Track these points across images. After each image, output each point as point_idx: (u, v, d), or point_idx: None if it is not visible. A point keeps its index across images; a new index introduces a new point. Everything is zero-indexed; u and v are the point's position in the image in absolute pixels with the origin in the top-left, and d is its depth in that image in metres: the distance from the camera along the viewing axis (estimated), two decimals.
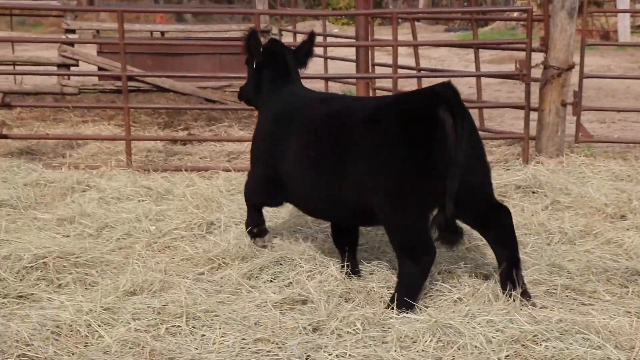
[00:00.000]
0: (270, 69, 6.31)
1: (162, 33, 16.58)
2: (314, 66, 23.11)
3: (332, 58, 15.17)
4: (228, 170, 9.25)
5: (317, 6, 36.70)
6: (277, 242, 6.41)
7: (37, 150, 10.65)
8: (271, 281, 5.84)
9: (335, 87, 16.47)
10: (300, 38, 17.98)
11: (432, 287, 5.71)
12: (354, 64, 12.65)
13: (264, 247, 6.34)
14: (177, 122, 12.82)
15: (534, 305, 5.36)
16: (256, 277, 5.92)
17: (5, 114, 13.03)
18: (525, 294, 5.41)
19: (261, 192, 6.15)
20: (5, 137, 9.78)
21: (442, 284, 5.79)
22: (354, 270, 5.98)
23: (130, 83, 13.21)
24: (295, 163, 5.74)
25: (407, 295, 5.26)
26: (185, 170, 9.25)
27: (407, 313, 5.21)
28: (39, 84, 14.91)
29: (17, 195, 7.90)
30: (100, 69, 14.21)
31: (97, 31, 16.23)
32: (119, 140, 10.68)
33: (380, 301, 5.42)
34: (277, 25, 16.83)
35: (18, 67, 15.64)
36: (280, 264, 6.04)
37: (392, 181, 5.17)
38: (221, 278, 5.92)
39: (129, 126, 9.70)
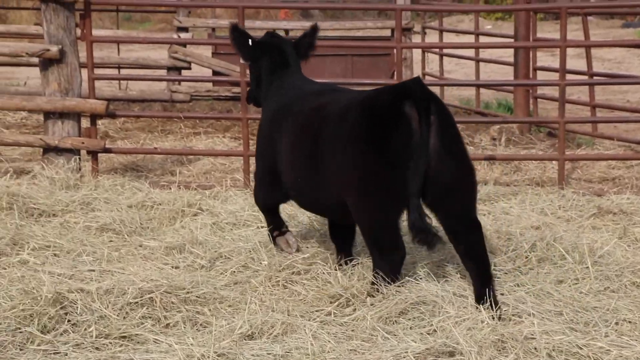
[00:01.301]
0: (268, 61, 7.14)
1: (286, 31, 16.80)
2: (463, 69, 23.05)
3: (485, 61, 15.01)
4: None
5: None
6: (416, 281, 6.35)
7: (143, 167, 10.94)
8: (411, 328, 5.78)
9: (488, 94, 16.31)
10: (447, 37, 17.90)
11: (608, 339, 5.52)
12: (512, 67, 12.48)
13: (291, 249, 7.05)
14: None
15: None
16: (393, 321, 5.87)
17: (108, 124, 13.42)
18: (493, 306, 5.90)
19: (265, 189, 7.01)
20: (108, 150, 10.10)
21: (622, 336, 5.59)
22: (347, 262, 6.81)
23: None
24: (287, 155, 6.62)
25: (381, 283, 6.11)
26: None
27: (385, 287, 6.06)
28: (145, 90, 15.36)
29: (120, 219, 8.12)
30: (215, 72, 14.53)
31: (213, 29, 16.60)
32: (235, 156, 10.85)
33: (544, 351, 5.28)
34: (421, 22, 16.79)
35: (123, 71, 16.19)
36: (421, 307, 5.97)
37: (358, 175, 6.01)
38: (353, 321, 5.90)
39: (247, 140, 9.84)
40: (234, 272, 6.92)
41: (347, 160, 6.06)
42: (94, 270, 6.85)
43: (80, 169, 9.75)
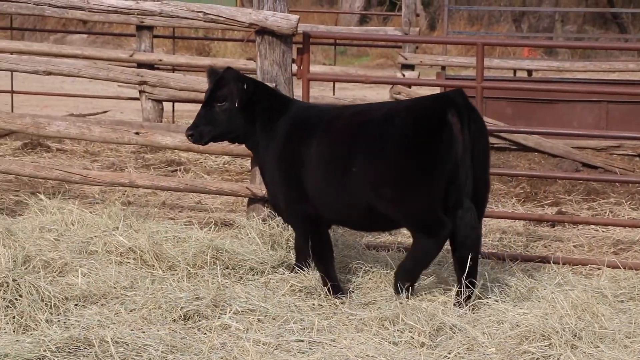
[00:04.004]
0: (261, 98, 8.36)
1: (529, 72, 16.73)
2: None
3: None
4: (615, 267, 9.11)
5: None
6: None
7: None
8: None
9: None
10: None
11: None
12: None
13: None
14: (543, 194, 12.82)
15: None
16: None
17: None
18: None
19: (299, 209, 8.18)
20: None
21: None
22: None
23: None
24: (319, 167, 7.93)
25: (412, 268, 7.75)
26: (555, 262, 9.21)
27: (403, 288, 7.62)
28: None
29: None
30: None
31: (443, 68, 16.73)
32: None
33: None
34: None
35: None
36: None
37: (401, 175, 7.59)
38: None
39: None
40: (460, 354, 6.88)
41: (391, 160, 7.61)
42: (302, 341, 6.96)
43: None
